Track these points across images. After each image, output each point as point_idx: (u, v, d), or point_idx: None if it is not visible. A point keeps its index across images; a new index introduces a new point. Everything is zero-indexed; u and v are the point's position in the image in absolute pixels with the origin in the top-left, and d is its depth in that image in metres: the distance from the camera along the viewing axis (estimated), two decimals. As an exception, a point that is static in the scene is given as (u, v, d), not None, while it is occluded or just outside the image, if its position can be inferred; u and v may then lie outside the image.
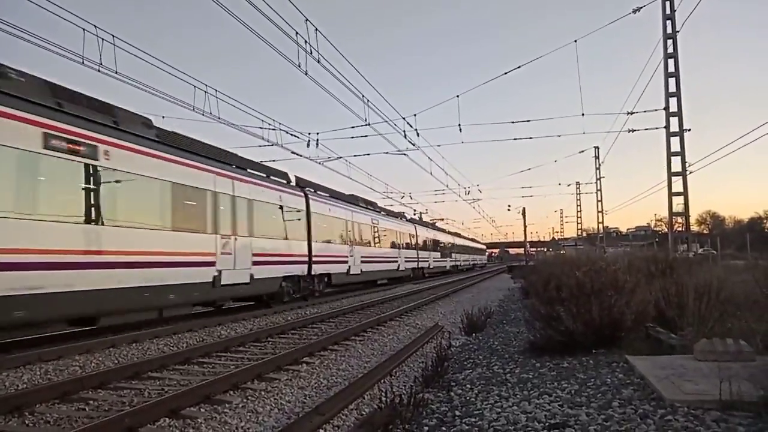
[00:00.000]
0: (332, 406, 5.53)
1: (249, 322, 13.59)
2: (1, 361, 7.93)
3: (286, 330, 11.56)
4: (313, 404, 5.78)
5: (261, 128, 18.92)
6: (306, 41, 13.48)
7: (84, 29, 11.04)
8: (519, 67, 20.16)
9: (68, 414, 5.60)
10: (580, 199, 50.46)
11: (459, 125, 21.73)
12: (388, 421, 4.87)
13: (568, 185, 66.95)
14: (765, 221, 74.89)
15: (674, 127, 18.83)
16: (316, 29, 13.69)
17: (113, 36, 11.44)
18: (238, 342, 9.87)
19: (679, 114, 18.79)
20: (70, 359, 8.51)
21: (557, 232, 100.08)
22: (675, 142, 18.81)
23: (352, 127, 22.60)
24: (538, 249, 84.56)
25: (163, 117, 16.22)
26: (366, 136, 22.42)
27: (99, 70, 11.57)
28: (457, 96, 20.88)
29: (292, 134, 20.54)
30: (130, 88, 12.94)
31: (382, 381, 6.93)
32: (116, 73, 11.98)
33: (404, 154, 24.92)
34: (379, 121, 20.57)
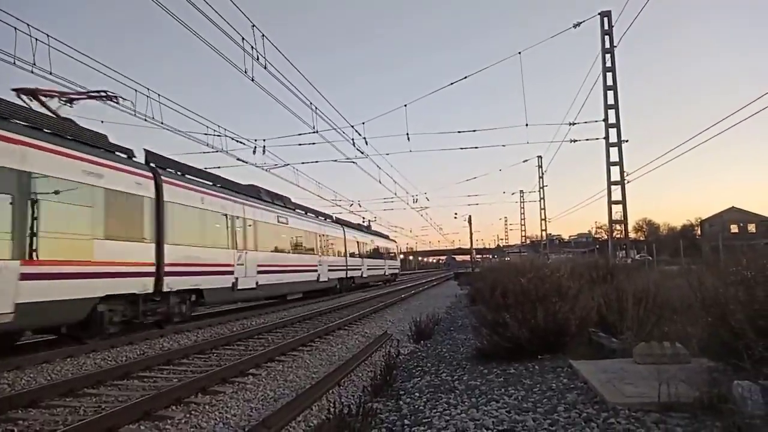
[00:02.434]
0: (279, 418, 5.41)
1: (193, 333, 13.19)
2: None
3: (231, 341, 11.29)
4: (260, 417, 5.64)
5: (206, 134, 18.50)
6: (252, 47, 13.30)
7: (16, 28, 10.53)
8: (465, 77, 20.48)
9: (-5, 436, 5.27)
10: (524, 207, 51.74)
11: (407, 134, 21.86)
12: (337, 432, 4.80)
13: (513, 193, 68.59)
14: (696, 228, 78.73)
15: (613, 137, 19.51)
16: (263, 35, 13.53)
17: (48, 36, 10.94)
18: (182, 354, 9.56)
19: (617, 125, 19.49)
20: (-2, 376, 8.03)
21: (502, 239, 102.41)
22: (614, 152, 19.50)
23: (300, 134, 22.40)
24: (484, 256, 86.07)
25: (102, 122, 15.55)
26: (314, 143, 22.22)
27: (32, 71, 11.05)
28: (405, 105, 20.99)
29: (238, 141, 20.15)
30: (66, 89, 12.35)
31: (331, 391, 6.85)
32: (51, 74, 11.48)
33: (353, 162, 24.92)
34: (327, 129, 20.46)
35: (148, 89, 14.46)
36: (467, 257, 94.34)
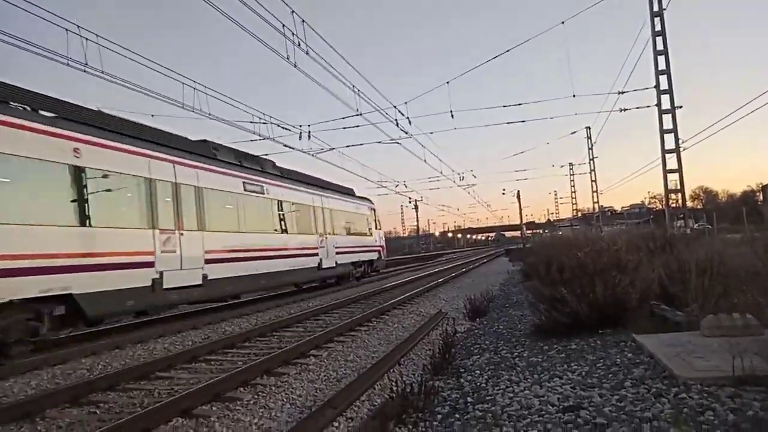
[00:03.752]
0: (344, 398, 5.54)
1: (253, 317, 13.58)
2: (9, 367, 7.91)
3: (290, 323, 11.57)
4: (325, 397, 5.78)
5: (252, 122, 18.80)
6: (293, 33, 13.38)
7: (67, 29, 10.91)
8: (508, 51, 20.18)
9: (80, 418, 5.59)
10: (573, 180, 50.56)
11: (450, 111, 21.66)
12: (401, 411, 4.89)
13: (561, 166, 67.03)
14: (758, 194, 75.29)
15: (666, 104, 18.84)
16: (303, 21, 13.59)
17: (97, 35, 11.25)
18: (244, 338, 9.87)
19: (669, 91, 18.78)
20: (77, 362, 8.50)
21: (552, 213, 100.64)
22: (667, 119, 18.82)
23: (343, 118, 22.58)
24: (534, 231, 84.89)
25: (152, 116, 15.94)
26: (358, 126, 22.40)
27: (84, 71, 11.46)
28: (447, 82, 20.96)
29: (283, 127, 20.42)
30: (116, 87, 12.78)
31: (391, 370, 6.95)
32: (102, 72, 11.88)
33: (397, 143, 24.76)
34: (370, 111, 20.47)
35: (194, 82, 14.74)
36: (517, 233, 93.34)
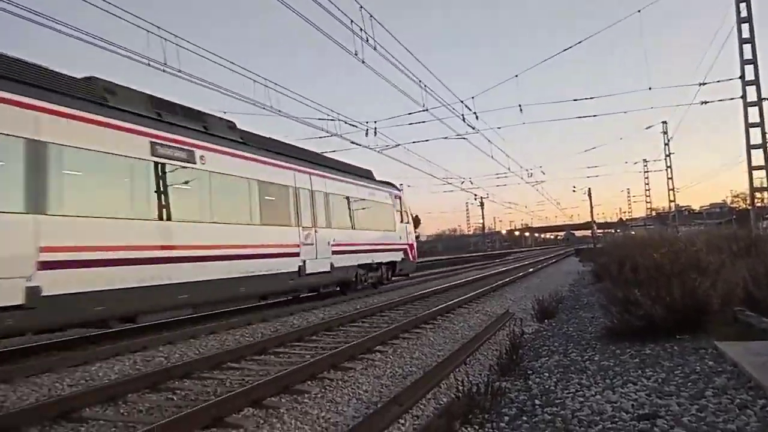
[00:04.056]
0: (410, 395, 5.55)
1: (320, 311, 13.84)
2: (94, 352, 8.41)
3: (356, 319, 11.71)
4: (390, 394, 5.81)
5: (320, 119, 18.97)
6: (361, 29, 13.41)
7: (148, 30, 11.40)
8: (579, 42, 19.48)
9: (158, 403, 5.87)
10: (648, 177, 48.49)
11: (519, 106, 21.22)
12: (467, 411, 4.85)
13: (635, 163, 64.38)
14: None
15: (752, 96, 17.72)
16: (371, 16, 13.63)
17: (175, 35, 11.62)
18: (311, 331, 10.06)
19: (756, 82, 17.65)
20: (155, 350, 8.93)
21: (624, 212, 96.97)
22: (753, 112, 17.70)
23: (410, 114, 22.52)
24: (606, 230, 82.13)
25: (225, 112, 16.48)
26: (424, 121, 22.26)
27: (164, 70, 11.96)
28: (516, 75, 20.44)
29: (351, 124, 20.56)
30: (189, 85, 13.28)
31: (457, 370, 6.90)
32: (179, 72, 12.37)
33: (463, 138, 24.48)
34: (436, 106, 20.32)
35: (265, 79, 15.04)
36: (587, 232, 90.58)
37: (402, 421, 5.01)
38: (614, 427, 3.95)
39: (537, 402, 4.97)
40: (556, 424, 4.25)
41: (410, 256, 21.92)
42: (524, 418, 4.59)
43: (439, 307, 12.65)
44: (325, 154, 19.48)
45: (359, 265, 17.60)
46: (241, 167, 12.58)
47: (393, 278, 20.96)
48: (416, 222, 28.54)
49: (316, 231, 15.16)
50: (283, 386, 6.08)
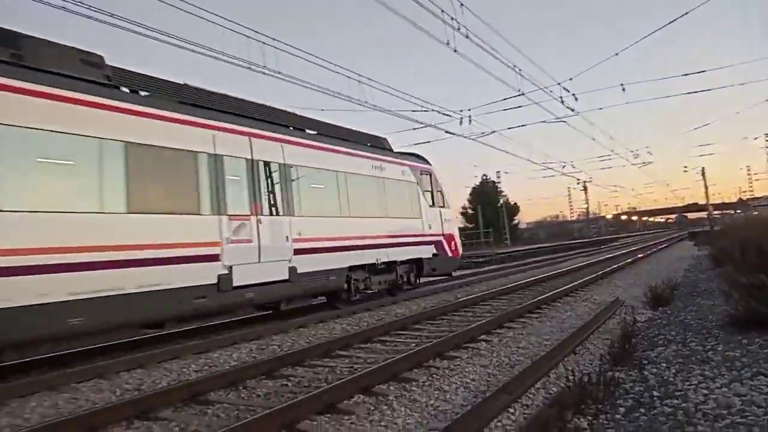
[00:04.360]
0: (518, 384, 5.48)
1: (422, 300, 13.95)
2: (214, 341, 9.02)
3: (458, 308, 11.69)
4: (498, 383, 5.77)
5: (413, 111, 18.88)
6: (452, 18, 13.26)
7: (250, 37, 11.90)
8: (686, 14, 18.03)
9: (274, 389, 6.20)
10: (774, 152, 44.28)
11: (621, 85, 20.22)
12: (579, 401, 4.72)
13: (755, 138, 58.89)
14: None
15: None
16: (461, 3, 13.47)
17: (273, 38, 11.71)
18: (414, 320, 10.18)
19: None
20: (269, 339, 9.43)
21: (745, 191, 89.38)
22: None
23: (504, 99, 22.17)
24: (724, 212, 76.30)
25: (322, 110, 16.56)
26: (520, 106, 21.86)
27: (264, 73, 12.49)
28: (617, 54, 19.53)
29: (444, 114, 20.46)
30: (287, 85, 13.70)
31: (566, 359, 6.73)
32: (279, 74, 12.87)
33: (563, 122, 23.62)
34: (533, 90, 19.80)
35: (359, 75, 15.19)
36: (701, 214, 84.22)
37: (511, 410, 4.97)
38: (745, 422, 3.71)
39: (655, 393, 4.75)
40: (677, 417, 4.05)
41: (447, 249, 16.83)
42: (641, 410, 4.41)
43: (545, 295, 12.34)
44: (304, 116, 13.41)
45: (352, 267, 12.65)
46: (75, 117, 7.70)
47: (420, 280, 16.09)
48: (514, 209, 27.20)
49: (259, 221, 10.22)
50: (391, 374, 6.22)
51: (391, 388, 5.90)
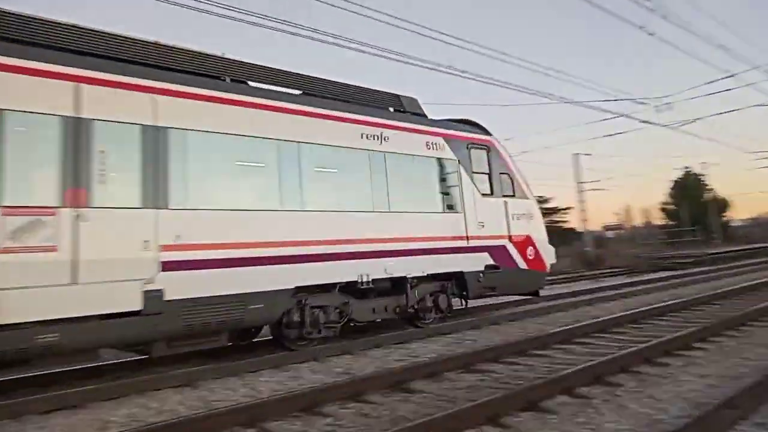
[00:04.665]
0: (746, 399, 4.93)
1: (620, 302, 13.14)
2: (411, 333, 9.49)
3: (663, 312, 10.81)
4: (720, 395, 5.25)
5: (604, 101, 18.04)
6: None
7: (444, 42, 11.93)
8: None
9: (474, 383, 6.32)
10: None
11: None
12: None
13: None
14: None
15: None
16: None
17: (466, 41, 11.60)
18: (614, 323, 9.65)
19: None
20: (462, 333, 9.65)
21: None
22: None
23: (708, 83, 20.15)
24: None
25: (506, 105, 16.56)
26: (729, 89, 19.65)
27: (449, 73, 12.74)
28: None
29: (639, 102, 19.10)
30: (474, 83, 13.96)
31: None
32: (464, 72, 13.01)
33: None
34: (745, 69, 17.56)
35: (545, 68, 14.42)
36: None
37: (739, 427, 4.49)
38: None
39: None
40: None
41: (517, 259, 11.66)
42: None
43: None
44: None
45: (311, 287, 8.54)
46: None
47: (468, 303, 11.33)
48: (724, 204, 24.45)
49: (79, 217, 6.49)
50: (594, 376, 5.99)
51: (595, 391, 5.67)
